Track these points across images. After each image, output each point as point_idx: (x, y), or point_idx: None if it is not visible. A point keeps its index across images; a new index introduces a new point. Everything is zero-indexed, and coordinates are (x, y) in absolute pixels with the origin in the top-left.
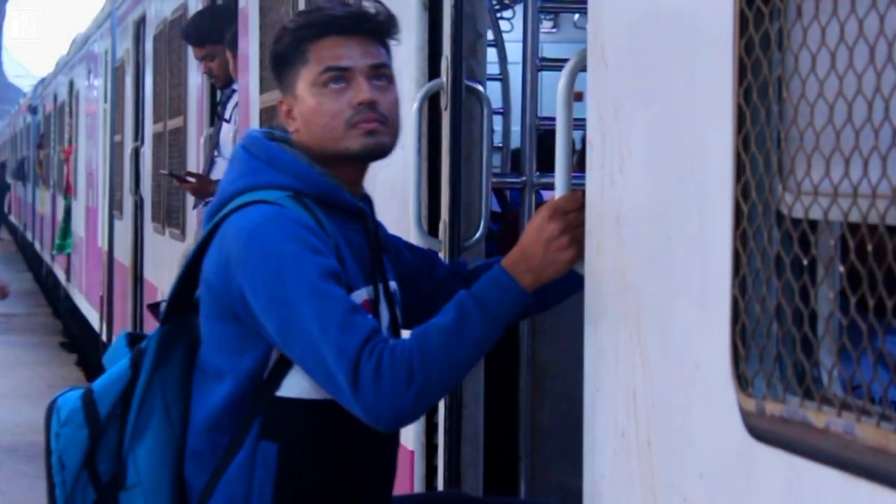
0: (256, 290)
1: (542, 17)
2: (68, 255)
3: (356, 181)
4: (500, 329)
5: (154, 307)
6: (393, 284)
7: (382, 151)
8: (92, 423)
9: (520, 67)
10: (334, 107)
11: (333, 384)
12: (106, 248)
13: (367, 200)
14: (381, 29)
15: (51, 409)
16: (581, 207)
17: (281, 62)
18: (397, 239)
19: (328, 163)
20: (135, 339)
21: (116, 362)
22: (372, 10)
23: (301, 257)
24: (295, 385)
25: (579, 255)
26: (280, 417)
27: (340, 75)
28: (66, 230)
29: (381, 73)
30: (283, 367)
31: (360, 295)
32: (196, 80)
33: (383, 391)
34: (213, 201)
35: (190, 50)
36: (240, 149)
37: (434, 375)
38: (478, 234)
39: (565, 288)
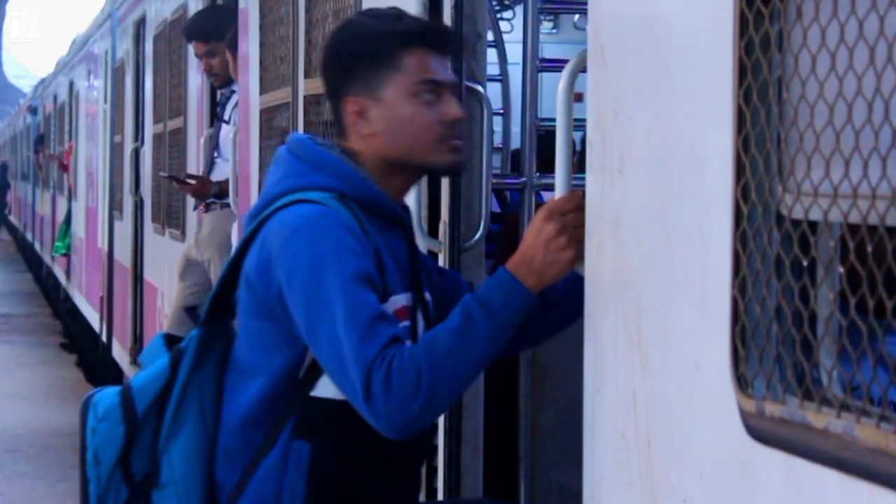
0: (292, 285)
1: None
2: (67, 256)
3: (404, 192)
4: (508, 330)
5: (191, 310)
6: (427, 295)
7: (461, 169)
8: (129, 420)
9: (520, 68)
10: (427, 119)
11: (350, 388)
12: (106, 248)
13: (406, 210)
14: (459, 49)
15: (87, 405)
16: (579, 208)
17: (363, 62)
18: (427, 258)
19: (387, 170)
20: (171, 339)
21: (153, 361)
22: (451, 29)
23: (339, 258)
24: (330, 385)
25: (579, 255)
26: (314, 417)
27: (434, 89)
28: (66, 232)
29: (458, 92)
30: (318, 366)
31: (399, 301)
32: (196, 80)
33: (392, 398)
34: (257, 202)
35: (190, 51)
36: (284, 151)
37: (442, 379)
38: (478, 235)
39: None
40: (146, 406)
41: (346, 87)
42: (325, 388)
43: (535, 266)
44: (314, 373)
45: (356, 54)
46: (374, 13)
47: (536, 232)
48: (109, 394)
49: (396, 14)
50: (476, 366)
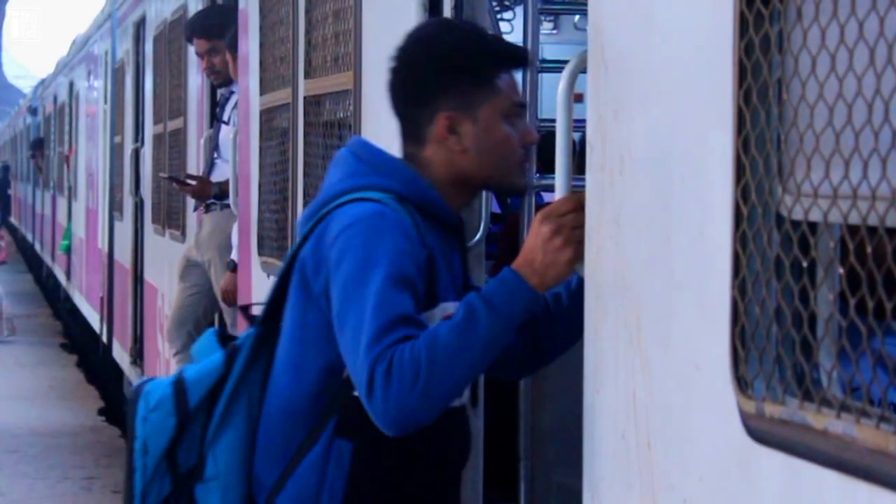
0: (338, 274)
1: (543, 18)
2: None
3: (464, 206)
4: (510, 328)
5: (245, 309)
6: None
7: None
8: (181, 412)
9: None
10: (514, 142)
11: (358, 381)
12: (106, 249)
13: (461, 221)
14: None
15: (137, 394)
16: (578, 209)
17: (464, 80)
18: (469, 276)
19: (457, 183)
20: (223, 336)
21: (205, 355)
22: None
23: (387, 258)
24: None
25: (578, 256)
26: (356, 417)
27: (521, 112)
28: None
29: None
30: None
31: (448, 308)
32: (196, 81)
33: (391, 391)
34: (315, 202)
35: (190, 51)
36: (346, 152)
37: (441, 373)
38: (478, 236)
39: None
40: (198, 400)
41: (441, 100)
42: None
43: (537, 267)
44: None
45: (458, 71)
46: (462, 28)
47: (535, 234)
48: (162, 384)
49: (483, 32)
50: (476, 362)
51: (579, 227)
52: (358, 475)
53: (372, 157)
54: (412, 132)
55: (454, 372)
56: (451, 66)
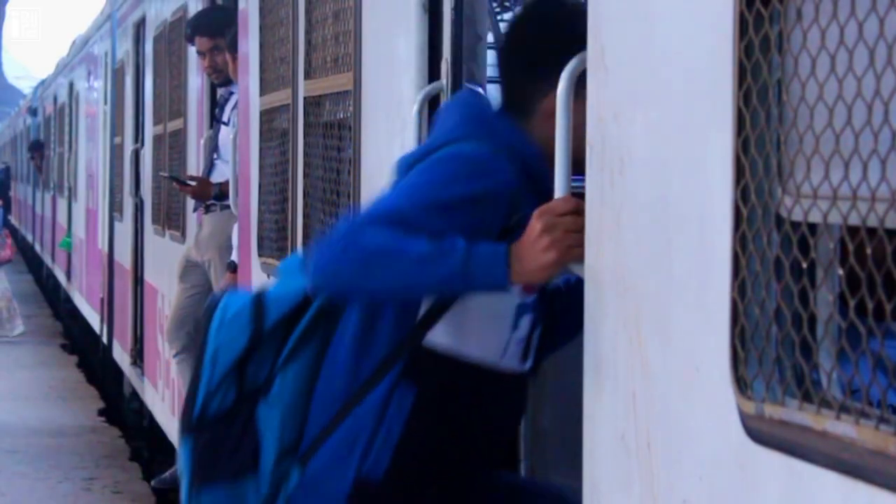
0: (411, 173)
1: None
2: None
3: None
4: (455, 288)
5: None
6: None
7: None
8: (256, 328)
9: None
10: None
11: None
12: (106, 249)
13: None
14: None
15: (215, 304)
16: (575, 212)
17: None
18: None
19: (549, 161)
20: None
21: (289, 276)
22: None
23: (459, 191)
24: (445, 335)
25: (565, 260)
26: (424, 365)
27: None
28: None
29: None
30: (435, 315)
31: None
32: (196, 81)
33: (324, 244)
34: (418, 148)
35: (190, 52)
36: (452, 105)
37: (363, 253)
38: None
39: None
40: (275, 321)
41: (556, 79)
42: (441, 337)
43: (522, 260)
44: (430, 321)
45: (563, 54)
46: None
47: (529, 228)
48: (242, 298)
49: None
50: (399, 282)
51: (573, 230)
52: (416, 422)
53: (480, 111)
54: (518, 102)
55: (375, 265)
56: (575, 50)
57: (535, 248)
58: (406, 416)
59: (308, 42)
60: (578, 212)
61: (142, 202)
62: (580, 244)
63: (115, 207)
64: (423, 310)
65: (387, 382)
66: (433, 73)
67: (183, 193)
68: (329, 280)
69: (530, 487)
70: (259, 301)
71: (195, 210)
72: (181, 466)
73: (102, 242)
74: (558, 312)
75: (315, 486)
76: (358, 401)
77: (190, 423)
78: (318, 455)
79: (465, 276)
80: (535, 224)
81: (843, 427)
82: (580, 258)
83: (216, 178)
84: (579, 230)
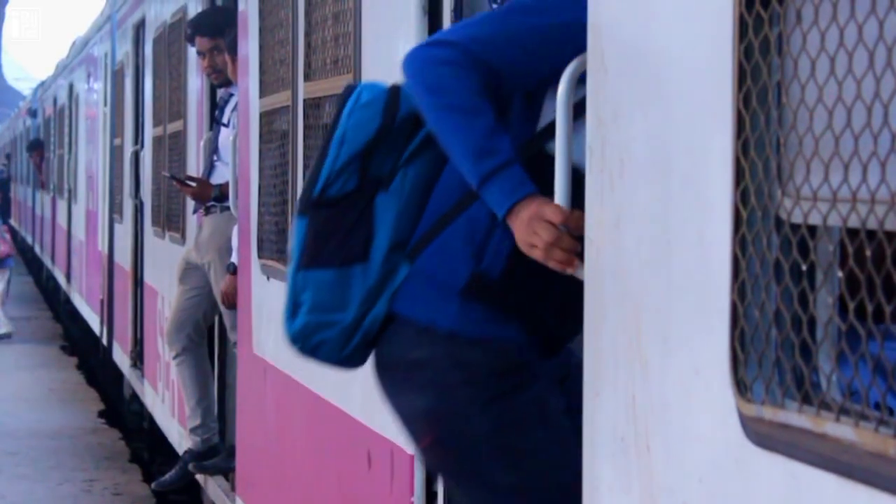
0: None
1: None
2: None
3: None
4: (470, 175)
5: None
6: None
7: None
8: (388, 117)
9: None
10: None
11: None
12: (106, 251)
13: None
14: None
15: (350, 90)
16: (565, 221)
17: None
18: None
19: None
20: None
21: None
22: None
23: (567, 19)
24: None
25: (545, 259)
26: (543, 175)
27: None
28: None
29: None
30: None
31: None
32: (195, 83)
33: (424, 50)
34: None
35: (190, 53)
36: None
37: (439, 93)
38: None
39: None
40: (406, 115)
41: None
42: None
43: (519, 221)
44: (549, 133)
45: None
46: None
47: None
48: (379, 86)
49: None
50: (439, 124)
51: (553, 242)
52: None
53: None
54: None
55: (441, 109)
56: None
57: (526, 231)
58: None
59: (308, 44)
60: (566, 223)
61: (142, 204)
62: (561, 254)
63: (114, 209)
64: (544, 121)
65: None
66: None
67: (183, 194)
68: (409, 83)
69: None
70: (394, 92)
71: (195, 212)
72: (292, 246)
73: (102, 244)
74: None
75: (425, 279)
76: (472, 201)
77: (308, 202)
78: (430, 250)
79: (481, 177)
80: (530, 216)
81: (843, 429)
82: (561, 263)
83: (216, 179)
84: (557, 242)
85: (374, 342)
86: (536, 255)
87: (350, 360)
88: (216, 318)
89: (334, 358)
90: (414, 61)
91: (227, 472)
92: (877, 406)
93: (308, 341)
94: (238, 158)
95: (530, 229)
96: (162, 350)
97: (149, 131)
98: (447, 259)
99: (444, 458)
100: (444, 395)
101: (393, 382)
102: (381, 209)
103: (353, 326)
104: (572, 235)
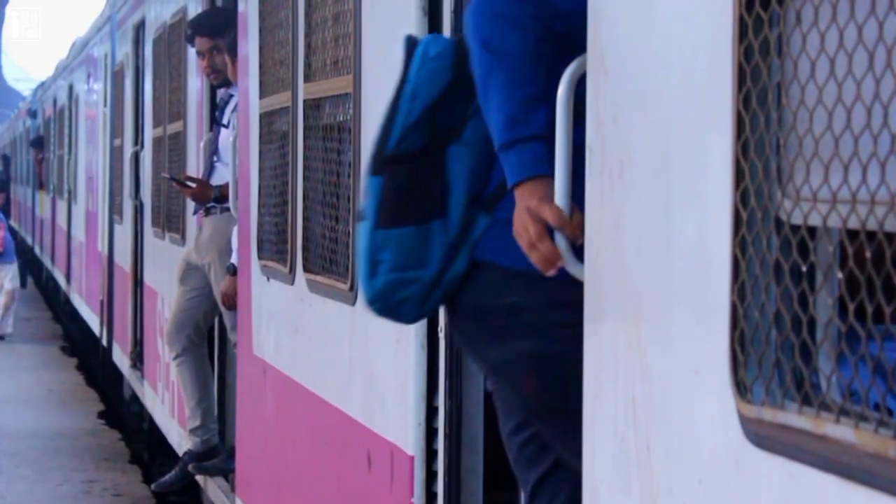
0: None
1: None
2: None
3: None
4: (497, 136)
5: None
6: None
7: None
8: (458, 69)
9: None
10: None
11: None
12: (106, 252)
13: None
14: None
15: (414, 42)
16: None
17: None
18: None
19: None
20: None
21: None
22: None
23: None
24: None
25: (528, 252)
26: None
27: None
28: None
29: None
30: None
31: None
32: (195, 84)
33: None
34: None
35: (190, 54)
36: None
37: (492, 52)
38: None
39: None
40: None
41: None
42: None
43: (520, 201)
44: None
45: None
46: None
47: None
48: (444, 39)
49: None
50: (482, 80)
51: (536, 241)
52: None
53: None
54: None
55: (489, 68)
56: None
57: (520, 218)
58: None
59: (308, 45)
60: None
61: (141, 205)
62: (538, 256)
63: (114, 210)
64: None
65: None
66: None
67: (183, 195)
68: (468, 32)
69: None
70: (461, 44)
71: (195, 213)
72: (367, 205)
73: (102, 245)
74: None
75: (508, 226)
76: None
77: (382, 159)
78: (510, 198)
79: (504, 142)
80: (529, 206)
81: (843, 430)
82: (539, 264)
83: (216, 180)
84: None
85: (454, 293)
86: (522, 244)
87: (425, 314)
88: (216, 319)
89: (413, 314)
90: (477, 13)
91: (227, 472)
92: (876, 407)
93: (389, 300)
94: (238, 159)
95: (525, 218)
96: (162, 351)
97: (149, 132)
98: None
99: (549, 400)
100: (546, 336)
101: (484, 329)
102: (455, 161)
103: (435, 281)
104: (567, 237)
